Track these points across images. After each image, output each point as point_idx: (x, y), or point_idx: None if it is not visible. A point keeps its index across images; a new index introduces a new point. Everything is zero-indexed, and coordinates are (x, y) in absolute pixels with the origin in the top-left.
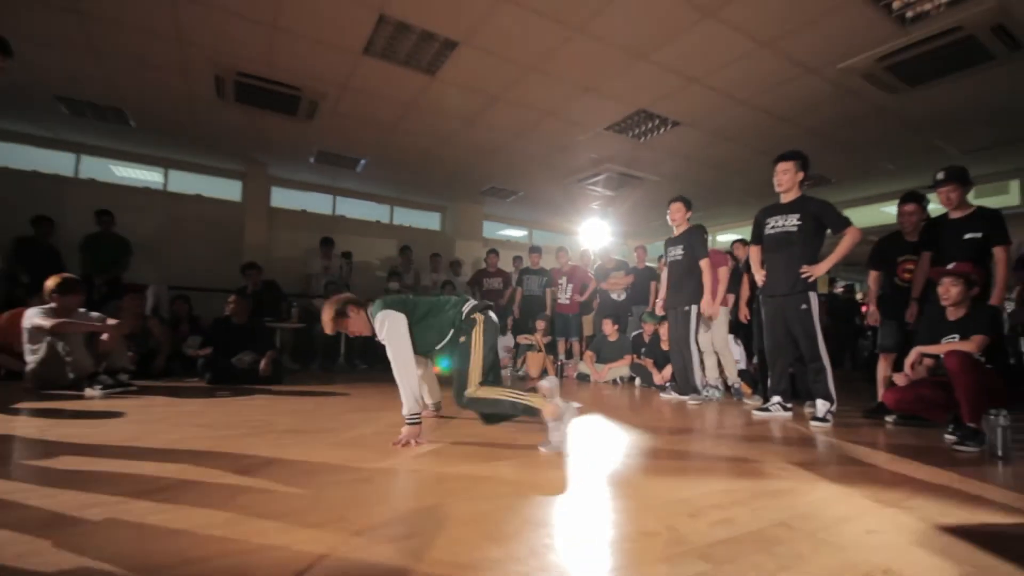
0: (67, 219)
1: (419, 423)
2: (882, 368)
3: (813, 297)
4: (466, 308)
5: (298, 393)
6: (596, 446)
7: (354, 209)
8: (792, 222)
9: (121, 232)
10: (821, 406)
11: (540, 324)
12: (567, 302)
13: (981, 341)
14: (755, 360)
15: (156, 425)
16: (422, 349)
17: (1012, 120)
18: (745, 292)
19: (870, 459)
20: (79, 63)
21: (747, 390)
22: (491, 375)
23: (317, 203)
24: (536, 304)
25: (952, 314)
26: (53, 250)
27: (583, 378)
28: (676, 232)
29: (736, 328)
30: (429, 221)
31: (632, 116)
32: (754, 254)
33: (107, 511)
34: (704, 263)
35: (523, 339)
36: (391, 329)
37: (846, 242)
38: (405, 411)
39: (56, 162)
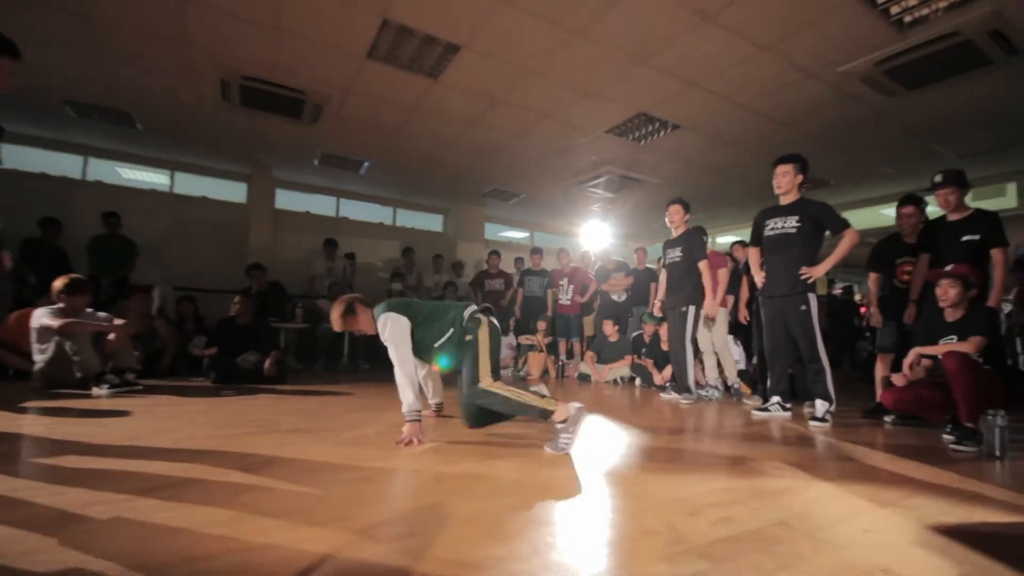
0: (74, 221)
1: (419, 420)
2: (880, 368)
3: (812, 298)
4: (469, 311)
5: (302, 392)
6: (597, 445)
7: (357, 211)
8: (791, 224)
9: (128, 233)
10: (820, 406)
11: (541, 325)
12: (568, 303)
13: (979, 342)
14: (754, 360)
15: (162, 424)
16: (422, 347)
17: (1009, 124)
18: (744, 293)
19: (869, 459)
20: (86, 67)
21: (746, 390)
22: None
23: (321, 205)
24: (537, 305)
25: (950, 315)
26: (60, 251)
27: (584, 378)
28: (675, 234)
29: (736, 329)
30: (432, 223)
31: (632, 119)
32: (753, 256)
33: (112, 509)
34: (703, 265)
35: (524, 339)
36: (393, 330)
37: (845, 244)
38: (404, 408)
39: (63, 164)
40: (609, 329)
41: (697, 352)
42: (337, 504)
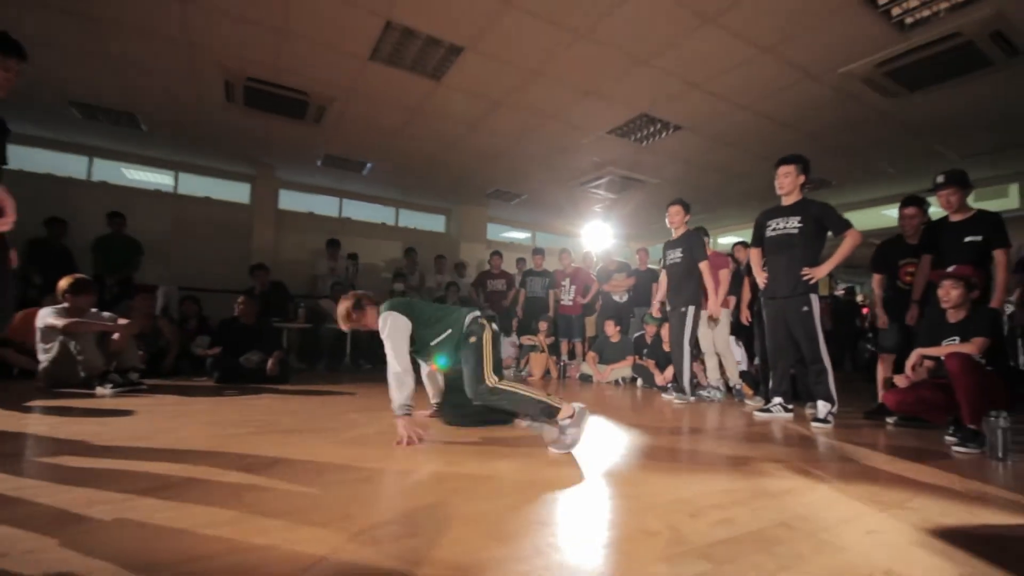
0: (79, 221)
1: (408, 414)
2: (882, 369)
3: (814, 299)
4: (471, 315)
5: (304, 392)
6: (598, 446)
7: (360, 211)
8: (793, 224)
9: (132, 234)
10: (822, 407)
11: (543, 325)
12: (570, 303)
13: (982, 343)
14: (756, 361)
15: (164, 423)
16: (420, 344)
17: (1011, 125)
18: (746, 294)
19: (870, 460)
20: (92, 69)
21: (748, 391)
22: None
23: (324, 206)
24: (539, 305)
25: (952, 316)
26: (66, 251)
27: (586, 379)
28: (675, 235)
29: (737, 330)
30: (434, 223)
31: (634, 120)
32: (754, 256)
33: (114, 509)
34: (704, 265)
35: (526, 340)
36: (392, 328)
37: (847, 244)
38: (394, 405)
39: (69, 165)
40: (611, 330)
41: (699, 353)
42: (338, 504)
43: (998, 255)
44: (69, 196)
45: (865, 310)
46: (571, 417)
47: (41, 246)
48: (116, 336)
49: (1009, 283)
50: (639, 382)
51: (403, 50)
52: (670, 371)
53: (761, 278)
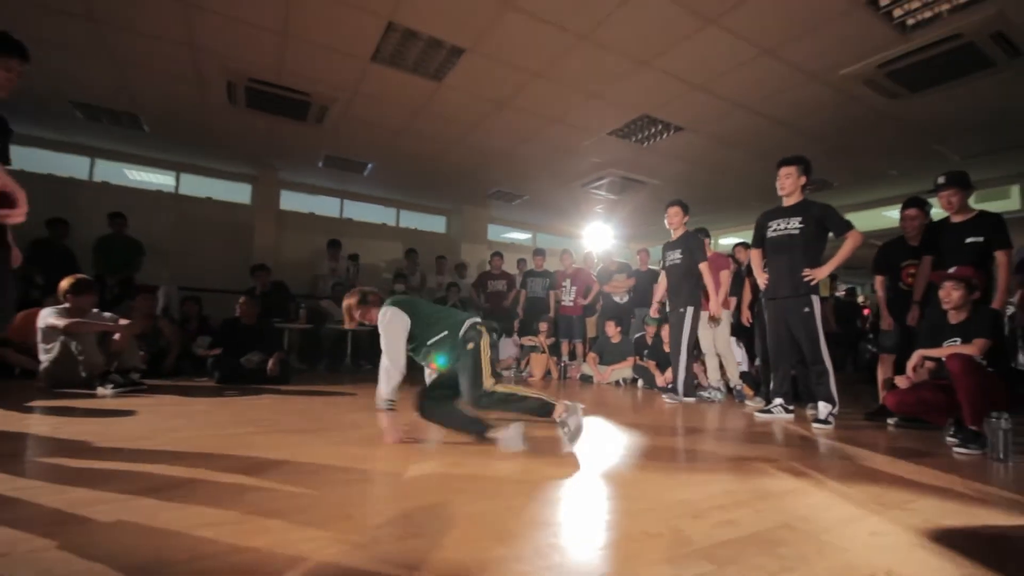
0: (81, 221)
1: (392, 409)
2: (882, 370)
3: (815, 300)
4: (470, 321)
5: (305, 393)
6: (599, 447)
7: (361, 212)
8: (794, 225)
9: (133, 234)
10: (823, 408)
11: (543, 326)
12: (570, 304)
13: (983, 344)
14: (757, 362)
15: (165, 424)
16: (418, 342)
17: (1012, 126)
18: (747, 295)
19: (872, 461)
20: (94, 70)
21: (749, 392)
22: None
23: (325, 206)
24: (540, 306)
25: (954, 317)
26: (67, 251)
27: (586, 379)
28: (674, 236)
29: (738, 330)
30: (435, 224)
31: (635, 121)
32: (755, 257)
33: (115, 508)
34: (703, 266)
35: (527, 341)
36: (391, 322)
37: (848, 245)
38: (378, 399)
39: (71, 165)
40: (611, 330)
41: (699, 353)
42: (339, 505)
43: (999, 256)
44: (71, 196)
45: (866, 311)
46: (566, 411)
47: (43, 246)
48: (117, 336)
49: (1010, 284)
50: (640, 383)
51: (405, 51)
52: (671, 372)
53: (762, 279)
